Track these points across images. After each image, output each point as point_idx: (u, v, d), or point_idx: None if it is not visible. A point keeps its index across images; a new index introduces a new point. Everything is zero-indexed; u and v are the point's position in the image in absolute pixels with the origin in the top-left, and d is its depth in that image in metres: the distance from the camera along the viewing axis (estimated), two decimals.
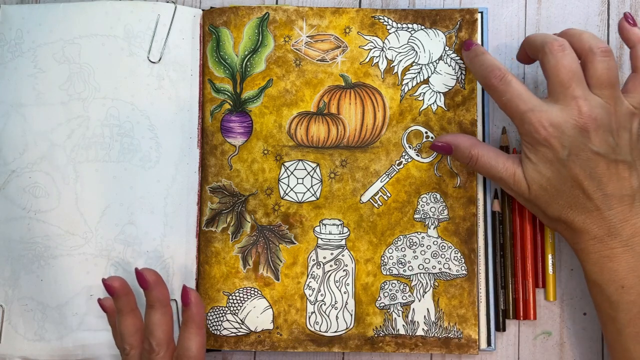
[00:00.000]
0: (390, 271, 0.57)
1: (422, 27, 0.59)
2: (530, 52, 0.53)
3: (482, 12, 0.59)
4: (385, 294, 0.57)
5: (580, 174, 0.49)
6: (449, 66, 0.58)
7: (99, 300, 0.55)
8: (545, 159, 0.49)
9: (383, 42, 0.59)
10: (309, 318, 0.57)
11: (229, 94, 0.59)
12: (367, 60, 0.59)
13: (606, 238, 0.49)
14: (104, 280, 0.53)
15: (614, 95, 0.49)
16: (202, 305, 0.52)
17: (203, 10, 0.60)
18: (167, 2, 0.61)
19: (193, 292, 0.51)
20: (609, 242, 0.49)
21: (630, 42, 0.52)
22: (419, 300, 0.57)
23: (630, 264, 0.48)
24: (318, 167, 0.58)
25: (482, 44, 0.58)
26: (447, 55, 0.58)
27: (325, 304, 0.57)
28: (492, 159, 0.52)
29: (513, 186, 0.51)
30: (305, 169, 0.58)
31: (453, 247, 0.57)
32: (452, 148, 0.54)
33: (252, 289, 0.57)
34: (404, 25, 0.59)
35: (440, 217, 0.57)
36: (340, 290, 0.57)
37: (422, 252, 0.57)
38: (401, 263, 0.57)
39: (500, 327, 0.57)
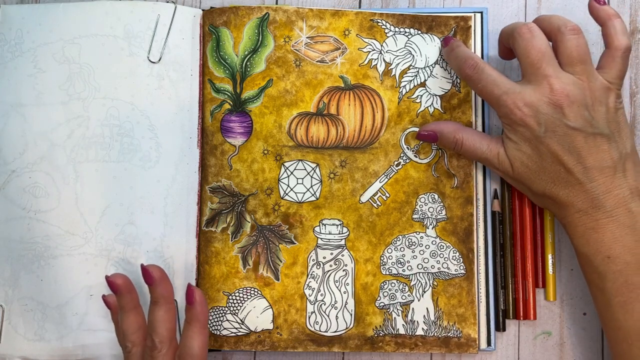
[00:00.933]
0: (390, 271, 0.58)
1: (419, 32, 0.60)
2: (505, 42, 0.56)
3: (482, 12, 0.60)
4: (385, 294, 0.58)
5: (558, 150, 0.50)
6: (445, 70, 0.60)
7: (103, 296, 0.56)
8: (524, 137, 0.51)
9: (381, 45, 0.60)
10: (309, 318, 0.58)
11: (229, 94, 0.60)
12: (365, 62, 0.60)
13: (590, 210, 0.50)
14: (107, 277, 0.54)
15: (586, 71, 0.51)
16: (206, 304, 0.53)
17: (203, 10, 0.61)
18: (167, 2, 0.61)
19: (198, 291, 0.52)
20: (593, 214, 0.50)
21: (600, 19, 0.53)
22: (418, 300, 0.58)
23: (615, 234, 0.50)
24: (318, 168, 0.59)
25: (482, 45, 0.60)
26: (443, 59, 0.59)
27: (325, 304, 0.58)
28: (477, 141, 0.55)
29: (498, 165, 0.54)
30: (305, 169, 0.59)
31: (451, 247, 0.58)
32: (437, 135, 0.57)
33: (252, 289, 0.58)
34: (401, 29, 0.60)
35: (439, 217, 0.58)
36: (340, 290, 0.58)
37: (421, 252, 0.58)
38: (400, 263, 0.58)
39: (500, 327, 0.57)
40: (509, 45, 0.55)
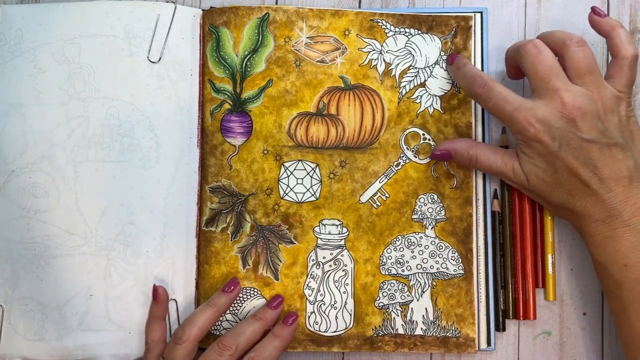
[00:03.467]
0: (389, 271, 0.58)
1: (419, 32, 0.60)
2: (511, 61, 0.56)
3: (482, 12, 0.60)
4: (384, 294, 0.58)
5: (574, 163, 0.51)
6: (445, 70, 0.60)
7: (155, 285, 0.58)
8: (539, 152, 0.52)
9: (381, 45, 0.60)
10: (309, 318, 0.58)
11: (228, 93, 0.60)
12: (365, 62, 0.60)
13: (608, 220, 0.51)
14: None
15: (595, 82, 0.52)
16: (295, 328, 0.58)
17: (203, 10, 0.61)
18: (167, 2, 0.61)
19: (295, 315, 0.58)
20: (611, 223, 0.51)
21: (604, 31, 0.54)
22: (418, 300, 0.58)
23: (632, 243, 0.50)
24: (317, 168, 0.59)
25: (482, 45, 0.60)
26: (443, 60, 0.60)
27: (324, 304, 0.58)
28: (491, 155, 0.55)
29: (514, 179, 0.55)
30: (305, 169, 0.59)
31: (450, 247, 0.58)
32: (452, 153, 0.57)
33: (252, 289, 0.59)
34: (402, 30, 0.60)
35: (438, 217, 0.59)
36: (339, 290, 0.58)
37: (420, 252, 0.58)
38: (399, 263, 0.58)
39: (500, 327, 0.58)
40: (515, 64, 0.56)
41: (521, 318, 0.58)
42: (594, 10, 0.54)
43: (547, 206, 0.56)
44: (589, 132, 0.50)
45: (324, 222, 0.59)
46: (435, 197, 0.59)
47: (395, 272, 0.59)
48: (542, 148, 0.52)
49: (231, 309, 0.58)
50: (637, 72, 0.54)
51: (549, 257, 0.58)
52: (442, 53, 0.60)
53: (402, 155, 0.59)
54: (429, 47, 0.60)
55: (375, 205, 0.59)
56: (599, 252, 0.52)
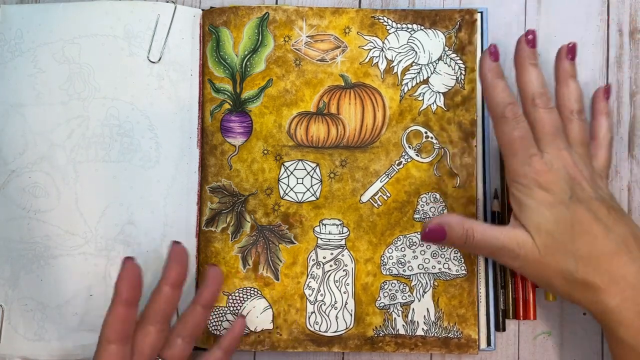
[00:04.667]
0: (390, 271, 0.57)
1: (422, 27, 0.59)
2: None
3: (481, 12, 0.59)
4: (385, 294, 0.57)
5: (585, 216, 0.47)
6: (449, 66, 0.59)
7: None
8: (546, 202, 0.48)
9: (383, 42, 0.59)
10: (309, 318, 0.57)
11: (228, 93, 0.59)
12: (366, 60, 0.59)
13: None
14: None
15: (587, 153, 0.51)
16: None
17: (203, 10, 0.61)
18: (167, 2, 0.61)
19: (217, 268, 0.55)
20: None
21: (595, 110, 0.55)
22: (419, 300, 0.57)
23: None
24: (318, 167, 0.59)
25: (482, 45, 0.59)
26: (447, 55, 0.59)
27: (325, 304, 0.57)
28: (488, 228, 0.50)
29: (519, 250, 0.48)
30: (305, 169, 0.59)
31: None
32: (446, 228, 0.50)
33: (252, 289, 0.58)
34: (404, 26, 0.59)
35: None
36: (340, 290, 0.58)
37: (422, 252, 0.57)
38: (401, 263, 0.57)
39: (500, 327, 0.57)
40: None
41: (521, 318, 0.57)
42: (606, 89, 0.56)
43: (564, 285, 0.48)
44: (595, 192, 0.49)
45: (324, 222, 0.58)
46: (438, 196, 0.58)
47: (397, 272, 0.58)
48: (550, 197, 0.47)
49: (231, 308, 0.58)
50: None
51: None
52: (446, 48, 0.59)
53: (403, 154, 0.58)
54: (433, 43, 0.59)
55: (376, 204, 0.58)
56: (630, 333, 0.43)
